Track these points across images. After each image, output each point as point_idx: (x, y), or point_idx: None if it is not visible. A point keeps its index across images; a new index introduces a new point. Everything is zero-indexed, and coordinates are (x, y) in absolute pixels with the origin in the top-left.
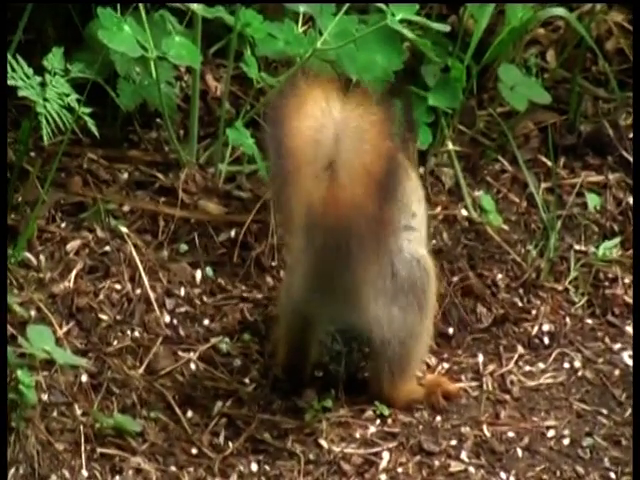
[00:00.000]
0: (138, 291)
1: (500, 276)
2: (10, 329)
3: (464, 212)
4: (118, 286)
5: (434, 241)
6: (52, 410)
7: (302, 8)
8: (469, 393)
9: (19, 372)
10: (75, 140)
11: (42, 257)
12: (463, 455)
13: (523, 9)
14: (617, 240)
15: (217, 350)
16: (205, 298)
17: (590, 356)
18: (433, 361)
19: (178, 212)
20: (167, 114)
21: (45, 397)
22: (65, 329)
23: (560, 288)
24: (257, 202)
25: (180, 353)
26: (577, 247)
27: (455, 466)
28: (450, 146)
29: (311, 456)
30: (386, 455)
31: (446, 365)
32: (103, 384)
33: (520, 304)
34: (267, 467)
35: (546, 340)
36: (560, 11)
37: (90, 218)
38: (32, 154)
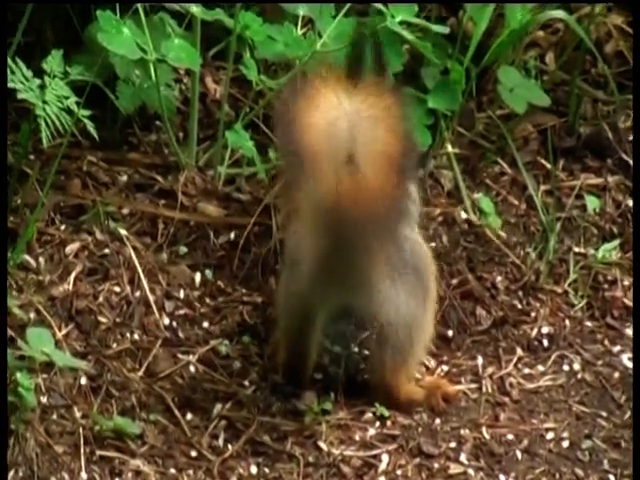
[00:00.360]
0: (137, 294)
1: (499, 278)
2: (9, 332)
3: (463, 214)
4: (117, 289)
5: (433, 243)
6: (51, 413)
7: (301, 10)
8: (468, 395)
9: (18, 375)
10: (74, 143)
11: (41, 259)
12: (462, 457)
13: (522, 11)
14: (616, 242)
15: (216, 353)
16: (204, 301)
17: (589, 358)
18: (432, 363)
19: (177, 214)
20: (166, 117)
21: (44, 400)
22: (64, 332)
23: (559, 290)
24: (256, 204)
25: (179, 355)
26: (576, 249)
27: (454, 468)
28: (449, 148)
29: (310, 458)
30: (385, 457)
31: (445, 367)
32: (102, 387)
33: (519, 306)
34: (266, 469)
35: (545, 342)
36: (559, 13)
37: (89, 221)
38: (31, 157)
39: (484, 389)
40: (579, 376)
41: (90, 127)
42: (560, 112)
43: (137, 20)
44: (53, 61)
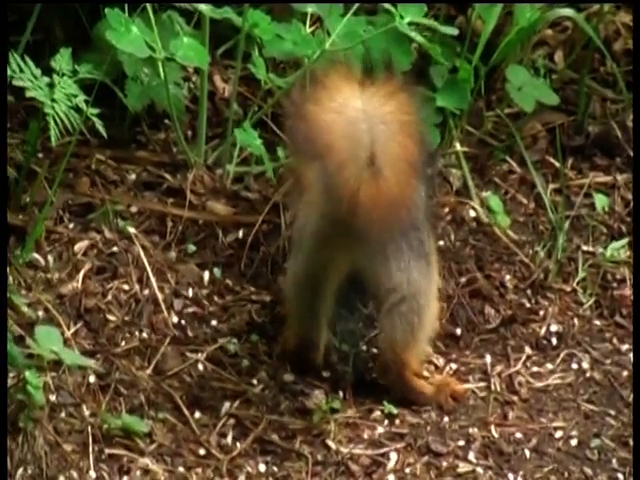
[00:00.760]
0: (146, 292)
1: (508, 277)
2: (18, 330)
3: (472, 213)
4: (126, 287)
5: (442, 242)
6: (60, 411)
7: (310, 9)
8: (477, 394)
9: (27, 373)
10: (83, 141)
11: (50, 258)
12: (471, 456)
13: (531, 10)
14: (625, 241)
15: (225, 351)
16: (213, 299)
17: (598, 357)
18: (441, 362)
19: (186, 213)
20: (175, 115)
21: (53, 398)
22: (73, 330)
23: (568, 289)
24: (265, 203)
25: (188, 354)
26: (585, 248)
27: (463, 467)
28: (458, 147)
29: (319, 457)
30: (394, 456)
31: (454, 366)
32: (111, 385)
33: (528, 305)
34: (275, 468)
35: (554, 341)
36: (568, 12)
37: (98, 219)
38: (40, 155)
39: (493, 388)
40: (588, 375)
41: (99, 125)
42: (569, 111)
43: (146, 18)
44: (62, 59)
